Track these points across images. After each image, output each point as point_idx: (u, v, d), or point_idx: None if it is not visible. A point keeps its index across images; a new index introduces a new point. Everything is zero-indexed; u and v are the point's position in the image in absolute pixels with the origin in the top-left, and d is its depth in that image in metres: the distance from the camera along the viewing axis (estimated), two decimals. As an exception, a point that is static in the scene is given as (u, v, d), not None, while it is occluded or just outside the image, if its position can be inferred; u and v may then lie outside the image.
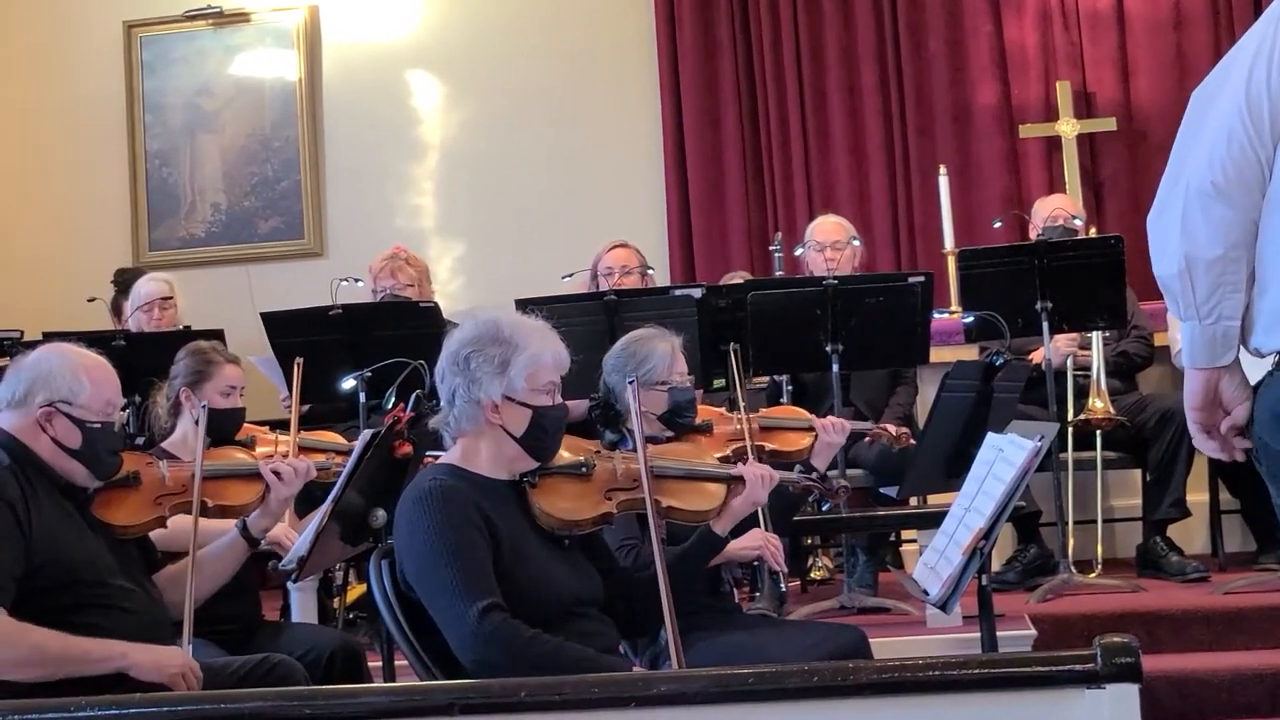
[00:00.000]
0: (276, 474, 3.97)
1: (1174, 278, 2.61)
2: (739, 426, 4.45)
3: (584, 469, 3.45)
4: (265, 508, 3.93)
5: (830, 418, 4.59)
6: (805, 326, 5.35)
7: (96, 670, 3.28)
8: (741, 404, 4.57)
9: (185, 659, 3.40)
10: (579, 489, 3.43)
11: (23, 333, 5.72)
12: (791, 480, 3.94)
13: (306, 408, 5.28)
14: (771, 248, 7.01)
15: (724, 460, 4.03)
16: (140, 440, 4.48)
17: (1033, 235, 6.20)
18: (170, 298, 6.57)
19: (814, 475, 4.14)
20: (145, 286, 6.67)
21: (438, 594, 3.17)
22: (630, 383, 3.60)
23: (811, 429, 4.53)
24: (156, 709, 2.22)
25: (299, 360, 5.04)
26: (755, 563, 5.38)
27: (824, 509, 4.06)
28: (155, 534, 3.78)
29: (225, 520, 3.96)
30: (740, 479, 3.62)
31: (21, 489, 3.34)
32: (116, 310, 7.18)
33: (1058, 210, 6.32)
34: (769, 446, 4.50)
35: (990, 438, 3.55)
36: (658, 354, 4.17)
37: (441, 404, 3.39)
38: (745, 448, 4.35)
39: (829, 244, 6.12)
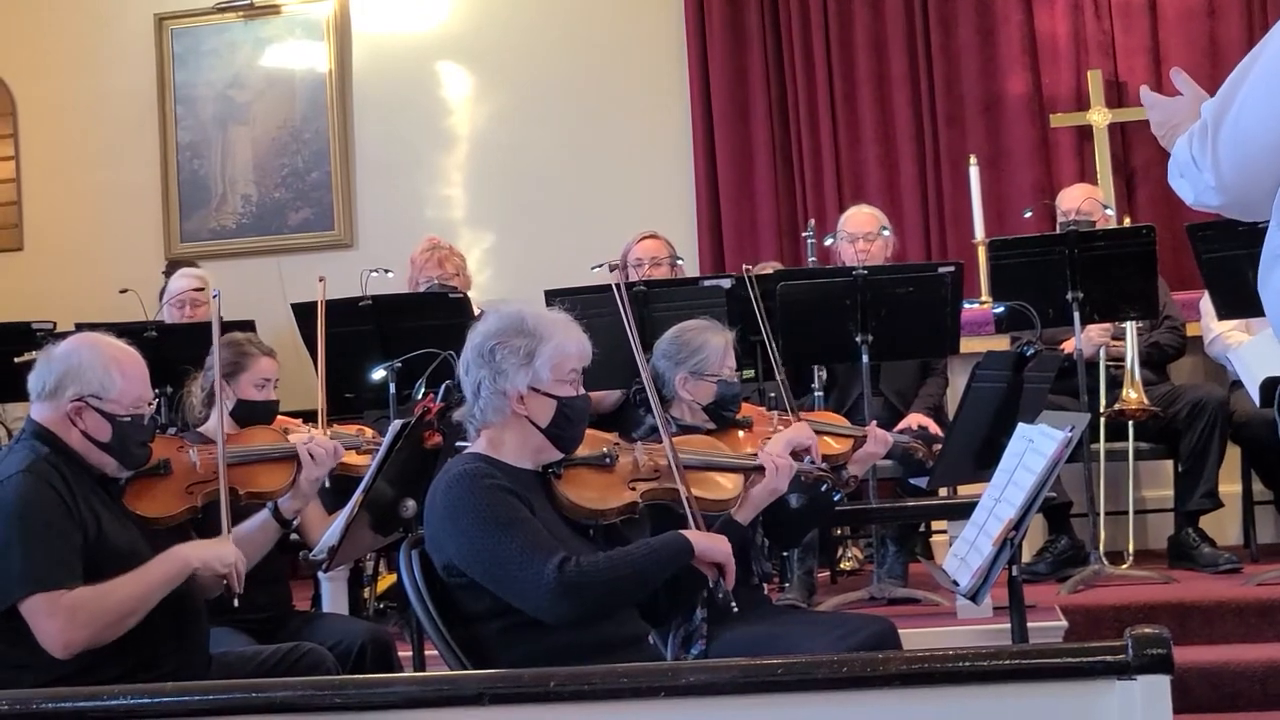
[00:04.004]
0: (309, 454, 3.99)
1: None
2: (778, 425, 4.44)
3: (607, 459, 3.49)
4: (296, 490, 3.96)
5: (872, 427, 4.57)
6: (835, 317, 5.33)
7: (175, 585, 3.40)
8: (788, 402, 4.56)
9: (237, 552, 3.52)
10: (604, 479, 3.48)
11: (55, 324, 5.74)
12: (804, 470, 3.95)
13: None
14: (804, 234, 6.99)
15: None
16: (172, 430, 4.50)
17: (1059, 226, 6.17)
18: (202, 290, 6.56)
19: (825, 466, 4.14)
20: (177, 282, 6.64)
21: (504, 566, 3.17)
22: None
23: (851, 437, 4.52)
24: (188, 698, 2.23)
25: (321, 278, 5.04)
26: (784, 556, 5.42)
27: (835, 499, 4.09)
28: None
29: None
30: (759, 468, 3.68)
31: (64, 478, 3.37)
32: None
33: (1088, 201, 6.28)
34: None
35: (1021, 428, 3.54)
36: (711, 346, 4.22)
37: (466, 397, 3.41)
38: None
39: (861, 235, 6.12)
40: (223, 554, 3.49)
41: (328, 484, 4.38)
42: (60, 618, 3.24)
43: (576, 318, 3.48)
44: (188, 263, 7.44)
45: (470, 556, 3.22)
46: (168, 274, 7.48)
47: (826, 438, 4.54)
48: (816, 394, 5.61)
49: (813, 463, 4.04)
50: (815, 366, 5.67)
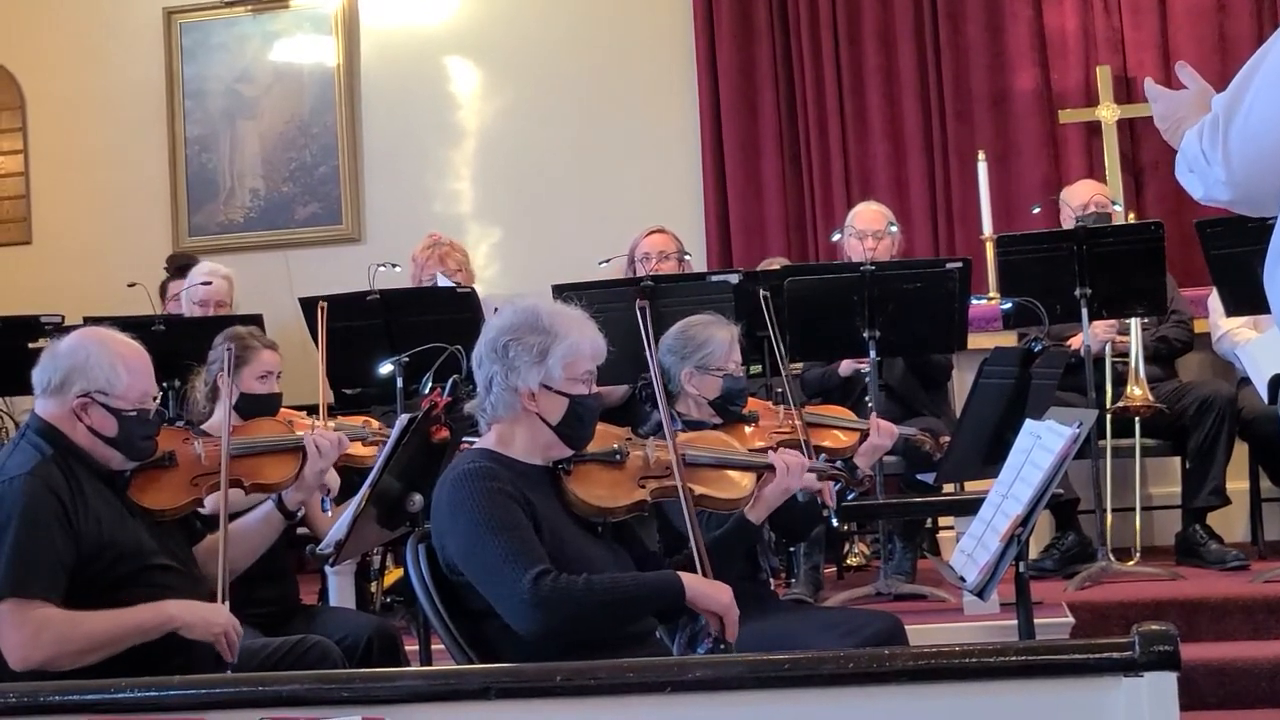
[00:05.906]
0: (314, 445, 3.99)
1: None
2: (784, 420, 4.43)
3: (617, 456, 3.47)
4: (301, 482, 3.94)
5: (878, 420, 4.56)
6: (842, 312, 5.33)
7: (151, 637, 3.31)
8: (790, 397, 4.56)
9: (229, 617, 3.43)
10: (613, 476, 3.46)
11: (64, 317, 5.74)
12: (819, 469, 3.93)
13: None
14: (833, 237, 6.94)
15: (763, 451, 4.03)
16: (179, 424, 4.50)
17: (1064, 222, 6.16)
18: (210, 284, 6.51)
19: (838, 465, 4.13)
20: (199, 279, 6.45)
21: (488, 569, 3.17)
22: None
23: (858, 430, 4.51)
24: (195, 691, 2.23)
25: (322, 304, 5.06)
26: (791, 551, 5.42)
27: (849, 498, 4.07)
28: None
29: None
30: (771, 467, 3.66)
31: (66, 480, 3.35)
32: (165, 295, 7.20)
33: (1096, 196, 6.28)
34: (814, 443, 4.48)
35: (1028, 424, 3.54)
36: (716, 340, 4.22)
37: (477, 389, 3.41)
38: (787, 441, 4.34)
39: (870, 232, 6.11)
40: (212, 619, 3.39)
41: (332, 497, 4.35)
42: (26, 630, 3.20)
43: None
44: (190, 258, 7.44)
45: (464, 555, 3.23)
46: (168, 269, 7.48)
47: (834, 430, 4.54)
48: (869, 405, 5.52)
49: (827, 461, 4.03)
50: (864, 376, 5.63)
